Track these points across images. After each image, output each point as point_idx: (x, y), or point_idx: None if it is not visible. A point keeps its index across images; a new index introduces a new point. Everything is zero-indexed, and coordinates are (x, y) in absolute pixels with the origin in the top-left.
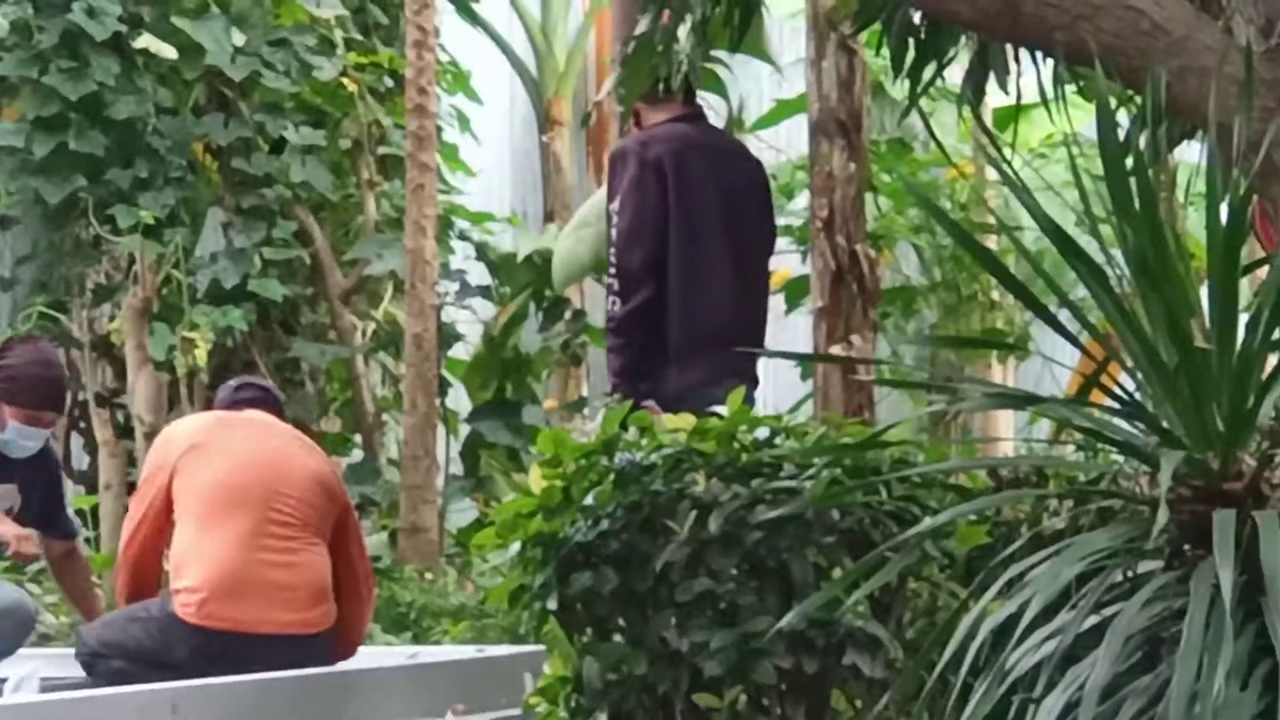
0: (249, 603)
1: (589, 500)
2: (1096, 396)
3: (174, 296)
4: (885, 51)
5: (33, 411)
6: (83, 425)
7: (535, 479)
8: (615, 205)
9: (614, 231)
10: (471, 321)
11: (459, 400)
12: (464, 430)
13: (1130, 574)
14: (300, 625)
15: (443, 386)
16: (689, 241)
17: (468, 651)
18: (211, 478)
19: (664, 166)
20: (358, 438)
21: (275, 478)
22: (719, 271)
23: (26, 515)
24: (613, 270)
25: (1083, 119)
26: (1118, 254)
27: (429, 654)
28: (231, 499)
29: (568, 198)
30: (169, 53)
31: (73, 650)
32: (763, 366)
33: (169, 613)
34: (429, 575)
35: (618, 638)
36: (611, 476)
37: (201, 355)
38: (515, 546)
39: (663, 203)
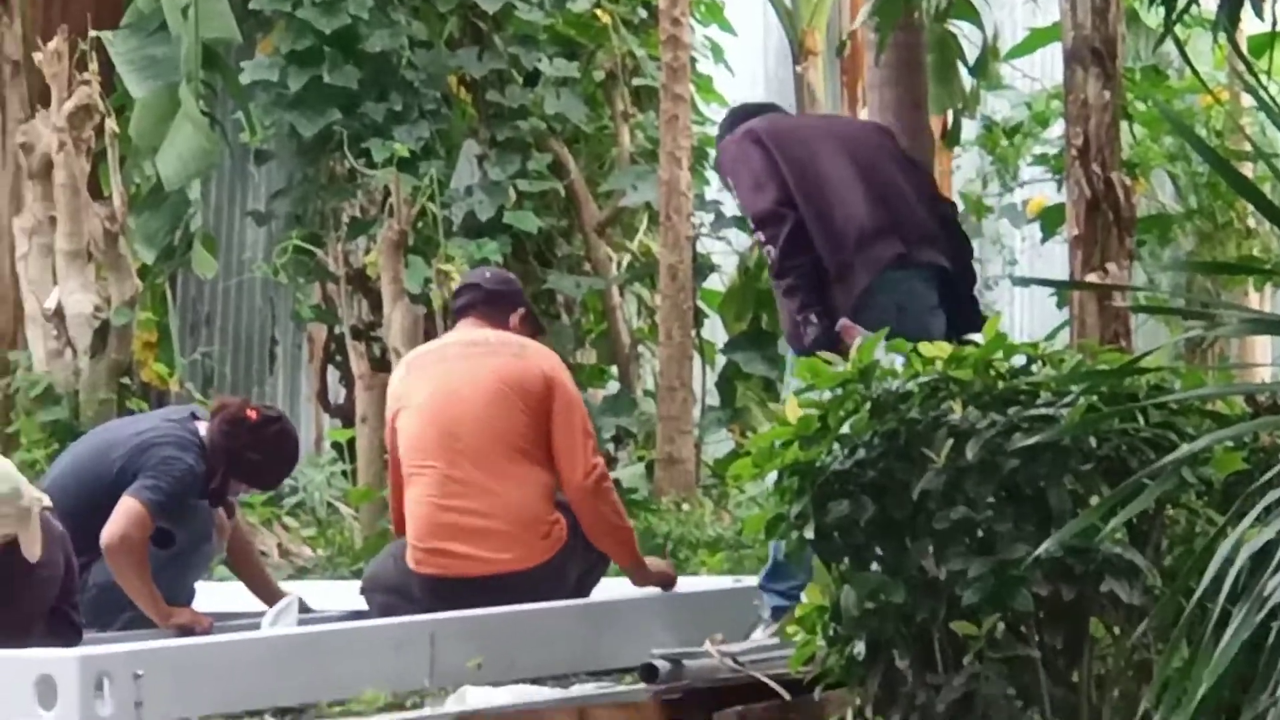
0: (453, 552)
1: (845, 429)
2: None
3: (429, 229)
4: None
5: (264, 490)
6: (339, 359)
7: (791, 408)
8: (732, 189)
9: (740, 204)
10: (727, 252)
11: (715, 331)
12: (720, 361)
13: None
14: (512, 563)
15: (698, 317)
16: (804, 170)
17: (725, 582)
18: (405, 435)
19: (756, 130)
20: (614, 369)
21: (449, 421)
22: (841, 180)
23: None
24: (754, 227)
25: None
26: None
27: (686, 584)
28: (419, 452)
29: None
30: None
31: (327, 582)
32: (1018, 295)
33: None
34: (685, 506)
35: (875, 566)
36: (868, 404)
37: None
38: (771, 476)
39: (769, 155)
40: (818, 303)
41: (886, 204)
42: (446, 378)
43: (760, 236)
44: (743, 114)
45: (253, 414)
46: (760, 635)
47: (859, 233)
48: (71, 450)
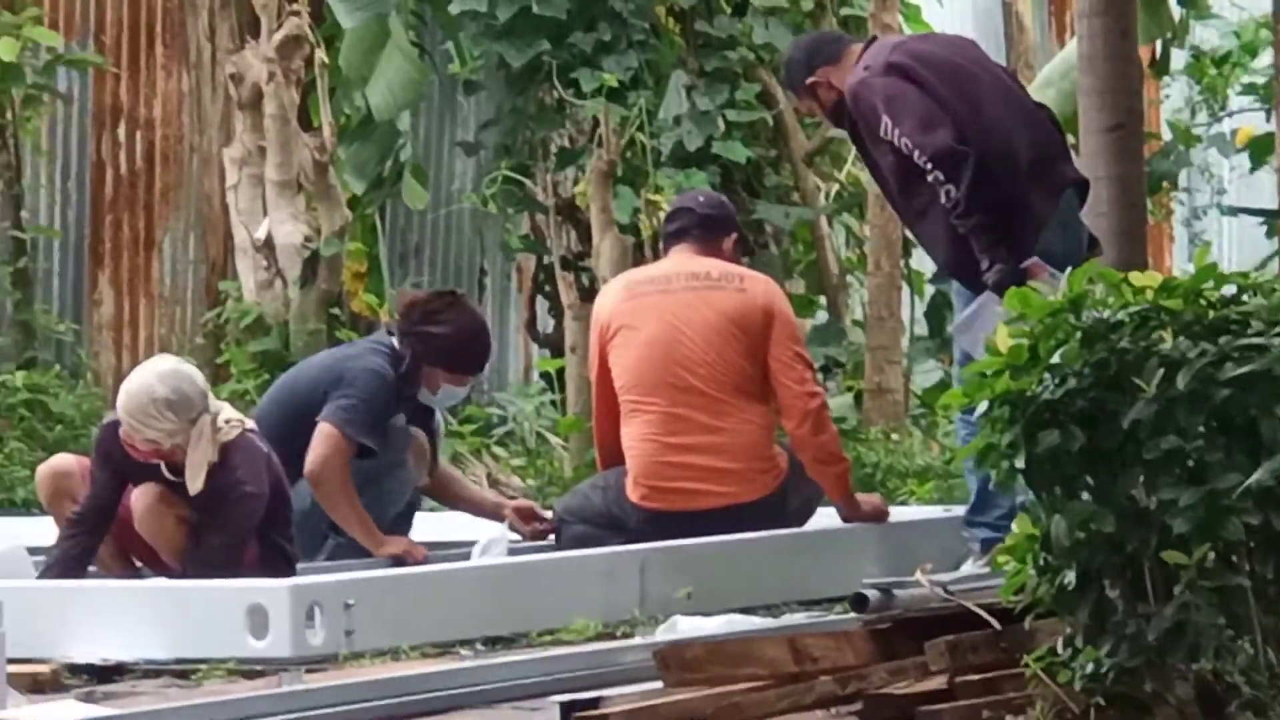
0: (677, 488)
1: (1056, 358)
2: None
3: (638, 159)
4: None
5: (463, 375)
6: (548, 289)
7: (1001, 337)
8: (885, 127)
9: (905, 143)
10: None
11: (923, 260)
12: (928, 291)
13: None
14: (735, 496)
15: (906, 247)
16: (959, 100)
17: (934, 512)
18: (624, 365)
19: (894, 63)
20: (822, 299)
21: (674, 359)
22: (991, 106)
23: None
24: (929, 167)
25: None
26: None
27: (895, 514)
28: (641, 387)
29: (1031, 57)
30: None
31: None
32: (1227, 225)
33: (623, 485)
34: (894, 436)
35: (1085, 496)
36: (1078, 334)
37: None
38: (982, 406)
39: (922, 90)
40: (1005, 239)
41: (1036, 124)
42: (671, 313)
43: (939, 176)
44: (815, 47)
45: (426, 296)
46: (970, 568)
47: (1029, 161)
48: (287, 373)
